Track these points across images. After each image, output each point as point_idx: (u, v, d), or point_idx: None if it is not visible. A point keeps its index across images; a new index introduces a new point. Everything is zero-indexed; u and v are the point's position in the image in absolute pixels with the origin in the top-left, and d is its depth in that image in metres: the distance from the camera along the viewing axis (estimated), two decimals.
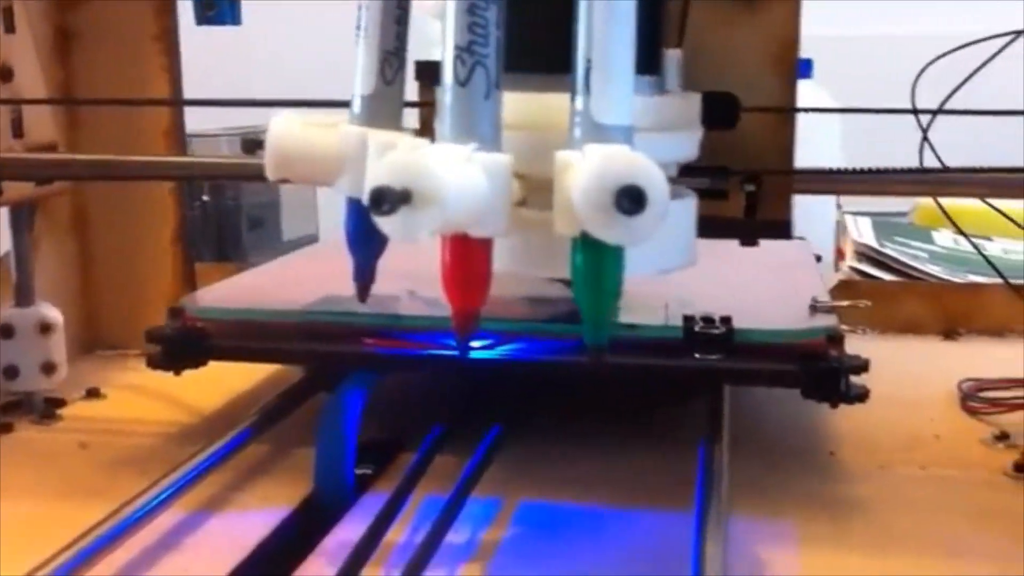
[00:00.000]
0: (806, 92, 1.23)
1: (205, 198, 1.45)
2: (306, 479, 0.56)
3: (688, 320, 0.58)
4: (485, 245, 0.41)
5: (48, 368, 0.69)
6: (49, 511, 0.54)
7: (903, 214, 1.53)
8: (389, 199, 0.37)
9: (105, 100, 0.76)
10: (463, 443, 0.60)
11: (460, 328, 0.42)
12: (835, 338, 0.57)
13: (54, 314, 0.70)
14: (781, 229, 0.60)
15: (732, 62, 0.62)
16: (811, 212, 1.14)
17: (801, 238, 0.93)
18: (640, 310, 0.62)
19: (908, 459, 0.61)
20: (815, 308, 0.62)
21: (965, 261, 1.23)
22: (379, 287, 0.64)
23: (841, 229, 1.36)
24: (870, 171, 0.57)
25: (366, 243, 0.47)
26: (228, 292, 0.69)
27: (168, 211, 0.82)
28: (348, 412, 0.57)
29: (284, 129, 0.47)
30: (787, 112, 0.61)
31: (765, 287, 0.70)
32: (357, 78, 0.46)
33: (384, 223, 0.38)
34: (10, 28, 0.69)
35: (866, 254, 1.28)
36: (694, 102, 0.51)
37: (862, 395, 0.57)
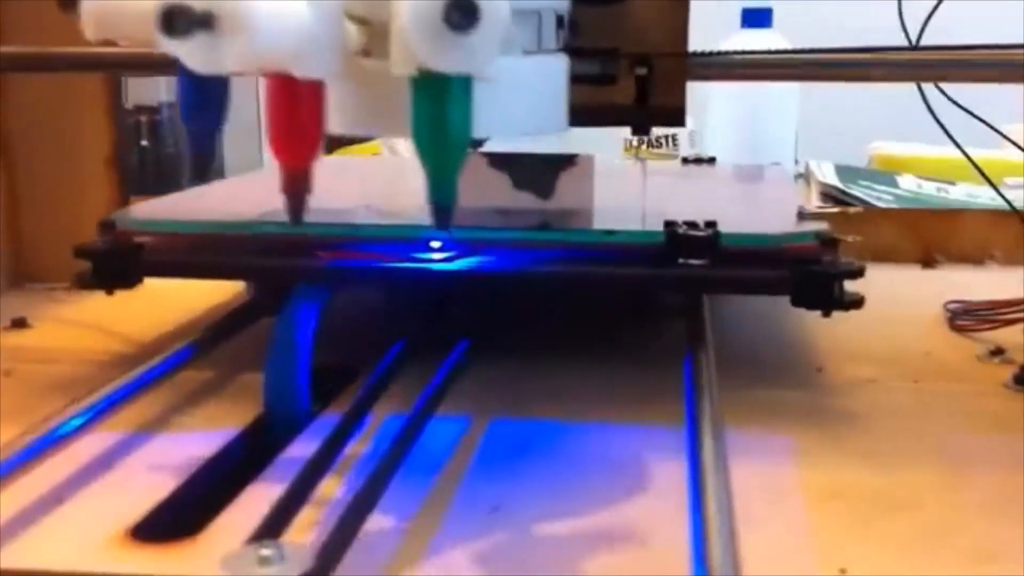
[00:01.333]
0: (767, 41, 1.20)
1: (144, 143, 1.39)
2: (256, 402, 0.51)
3: (670, 225, 0.53)
4: (313, 91, 0.37)
5: None
6: None
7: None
8: (183, 20, 0.32)
9: None
10: (429, 359, 0.55)
11: (288, 190, 0.39)
12: (827, 241, 0.53)
13: None
14: (674, 116, 0.55)
15: None
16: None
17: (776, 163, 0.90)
18: (616, 217, 0.58)
19: (900, 374, 0.58)
20: (803, 216, 0.58)
21: (930, 204, 1.21)
22: (332, 202, 0.59)
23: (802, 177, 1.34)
24: (777, 51, 0.54)
25: (201, 111, 0.41)
26: (164, 206, 0.64)
27: (102, 131, 0.76)
28: (300, 327, 0.51)
29: None
30: None
31: (748, 200, 0.66)
32: None
33: (184, 51, 0.33)
34: None
35: (831, 195, 1.25)
36: None
37: (857, 302, 0.52)
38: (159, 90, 1.38)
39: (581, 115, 0.47)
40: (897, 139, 1.48)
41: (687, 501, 0.40)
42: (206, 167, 0.42)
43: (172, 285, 0.75)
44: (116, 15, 0.39)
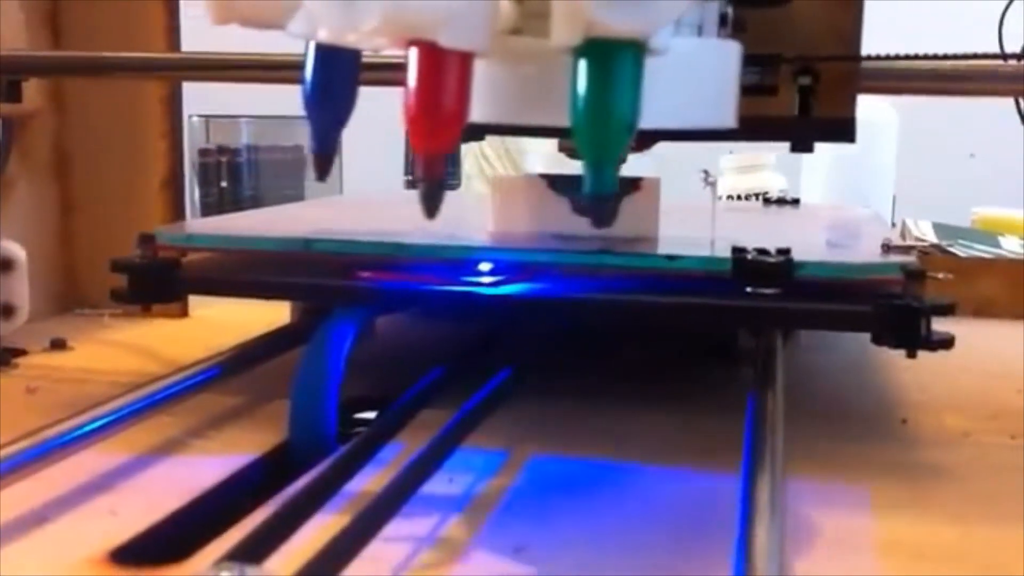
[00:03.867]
0: (869, 102, 1.15)
1: (223, 184, 1.38)
2: (281, 429, 0.47)
3: (739, 251, 0.48)
4: (460, 63, 0.32)
5: (6, 311, 0.61)
6: None
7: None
8: None
9: None
10: (472, 388, 0.51)
11: (425, 176, 0.34)
12: (914, 275, 0.47)
13: (16, 250, 0.62)
14: (844, 130, 0.49)
15: None
16: None
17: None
18: (681, 244, 0.53)
19: (995, 428, 0.51)
20: (888, 248, 0.52)
21: None
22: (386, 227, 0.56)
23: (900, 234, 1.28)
24: (955, 56, 0.48)
25: (327, 100, 0.38)
26: (213, 224, 0.61)
27: (160, 154, 0.74)
28: (333, 351, 0.48)
29: None
30: None
31: (829, 233, 0.61)
32: None
33: (320, 9, 0.29)
34: None
35: (929, 252, 1.19)
36: None
37: (946, 342, 0.47)
38: (241, 133, 1.38)
39: (741, 127, 0.42)
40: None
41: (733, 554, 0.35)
42: (327, 165, 0.39)
43: (223, 313, 0.73)
44: None
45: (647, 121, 0.33)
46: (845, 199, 1.51)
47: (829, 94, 0.48)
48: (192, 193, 1.32)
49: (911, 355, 0.47)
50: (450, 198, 0.38)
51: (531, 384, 0.53)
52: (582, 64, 0.31)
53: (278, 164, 1.35)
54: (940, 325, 0.46)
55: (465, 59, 0.33)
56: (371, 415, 0.51)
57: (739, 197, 1.52)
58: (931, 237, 1.23)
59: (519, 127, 0.41)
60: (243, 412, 0.51)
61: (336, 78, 0.37)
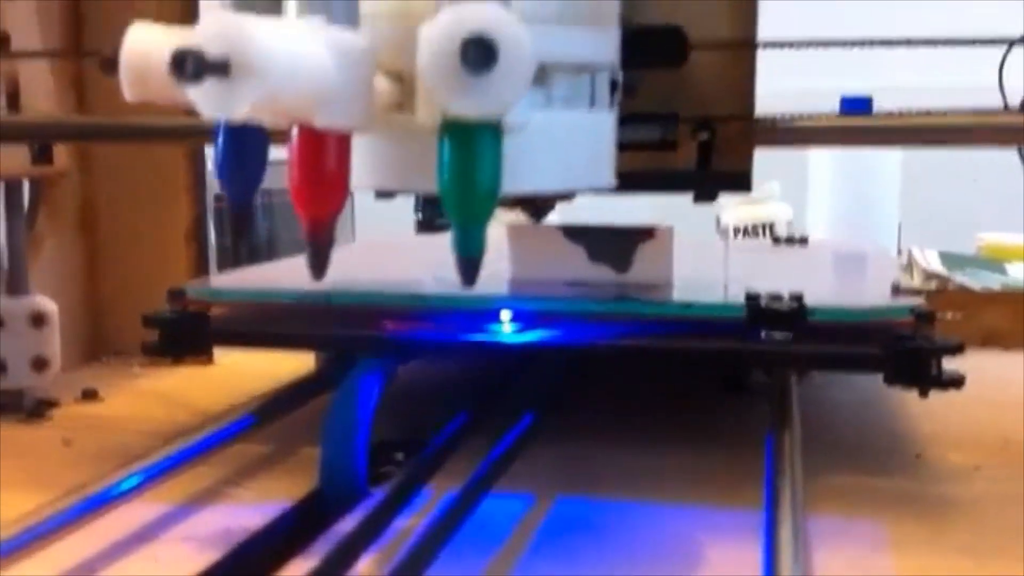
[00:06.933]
0: None
1: None
2: (313, 476, 0.48)
3: (752, 298, 0.50)
4: (338, 139, 0.35)
5: (39, 363, 0.63)
6: (10, 501, 0.47)
7: None
8: (195, 64, 0.30)
9: None
10: (494, 433, 0.52)
11: (310, 240, 0.37)
12: (924, 317, 0.49)
13: (48, 304, 0.64)
14: (739, 181, 0.51)
15: None
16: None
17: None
18: (695, 290, 0.55)
19: (1007, 462, 0.53)
20: (898, 290, 0.54)
21: None
22: (404, 275, 0.58)
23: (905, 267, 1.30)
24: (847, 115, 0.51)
25: (237, 167, 0.39)
26: (238, 277, 0.63)
27: (184, 208, 0.76)
28: (361, 399, 0.49)
29: (132, 37, 0.37)
30: (744, 48, 0.52)
31: (839, 275, 0.62)
32: None
33: (199, 97, 0.31)
34: None
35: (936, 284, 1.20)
36: None
37: (956, 380, 0.48)
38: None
39: (641, 181, 0.44)
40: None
41: None
42: (244, 225, 0.41)
43: (250, 361, 0.74)
44: (145, 70, 0.37)
45: (526, 185, 0.37)
46: (851, 226, 1.52)
47: (727, 148, 0.51)
48: (208, 238, 1.33)
49: (924, 394, 0.49)
50: None
51: (552, 426, 0.54)
52: (444, 140, 0.34)
53: (291, 208, 1.37)
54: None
55: (342, 135, 0.35)
56: (399, 457, 0.53)
57: (746, 230, 1.54)
58: (937, 266, 1.24)
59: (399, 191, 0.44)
60: (274, 460, 0.53)
61: (245, 146, 0.38)
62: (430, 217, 1.23)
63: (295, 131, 0.35)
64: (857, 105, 1.50)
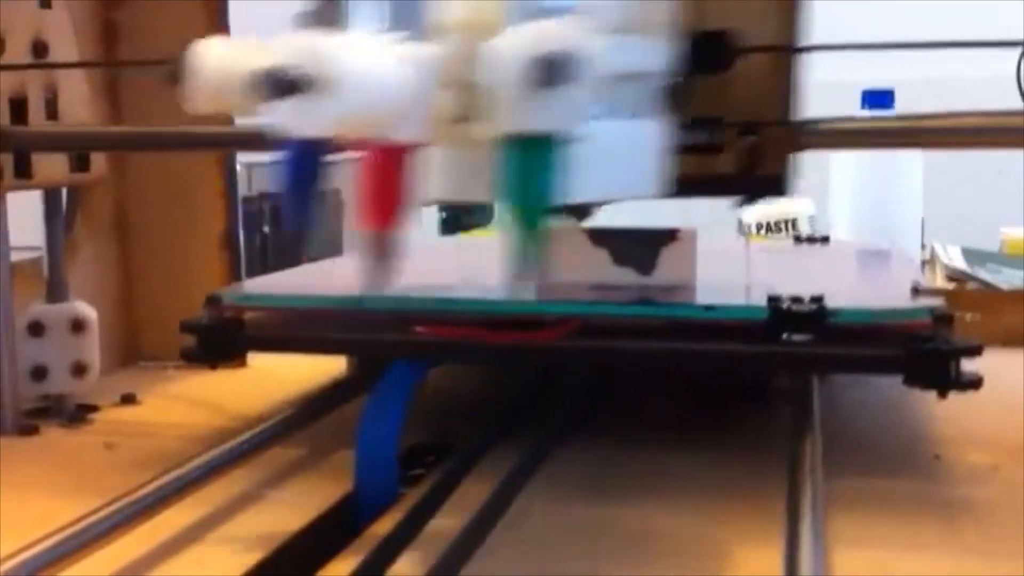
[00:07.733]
0: None
1: (266, 229, 1.42)
2: (346, 477, 0.50)
3: (774, 300, 0.51)
4: (407, 155, 0.37)
5: (79, 369, 0.65)
6: (60, 507, 0.49)
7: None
8: (280, 83, 0.32)
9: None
10: (523, 436, 0.54)
11: (374, 254, 0.38)
12: (942, 318, 0.50)
13: (87, 311, 0.66)
14: (777, 186, 0.52)
15: None
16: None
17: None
18: (718, 293, 0.56)
19: (1021, 461, 0.54)
20: (917, 291, 0.55)
21: None
22: (432, 279, 0.59)
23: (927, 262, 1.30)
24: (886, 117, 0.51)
25: (303, 182, 0.41)
26: (271, 282, 0.64)
27: (216, 213, 0.78)
28: (393, 403, 0.51)
29: (207, 52, 0.40)
30: (789, 52, 0.53)
31: (860, 276, 0.64)
32: None
33: (283, 114, 0.33)
34: (46, 3, 0.65)
35: (958, 279, 1.20)
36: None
37: (974, 382, 0.49)
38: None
39: (686, 185, 0.45)
40: None
41: None
42: (303, 239, 0.42)
43: (282, 363, 0.76)
44: (223, 85, 0.39)
45: (579, 196, 0.38)
46: (874, 222, 1.52)
47: (769, 153, 0.52)
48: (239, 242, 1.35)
49: (942, 396, 0.50)
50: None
51: (578, 429, 0.56)
52: (512, 153, 0.35)
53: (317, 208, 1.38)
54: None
55: (410, 149, 0.36)
56: (429, 460, 0.54)
57: (768, 227, 1.54)
58: (960, 263, 1.25)
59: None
60: (309, 463, 0.54)
61: (306, 163, 0.38)
62: (454, 218, 1.24)
63: (365, 146, 0.36)
64: (879, 99, 1.49)
